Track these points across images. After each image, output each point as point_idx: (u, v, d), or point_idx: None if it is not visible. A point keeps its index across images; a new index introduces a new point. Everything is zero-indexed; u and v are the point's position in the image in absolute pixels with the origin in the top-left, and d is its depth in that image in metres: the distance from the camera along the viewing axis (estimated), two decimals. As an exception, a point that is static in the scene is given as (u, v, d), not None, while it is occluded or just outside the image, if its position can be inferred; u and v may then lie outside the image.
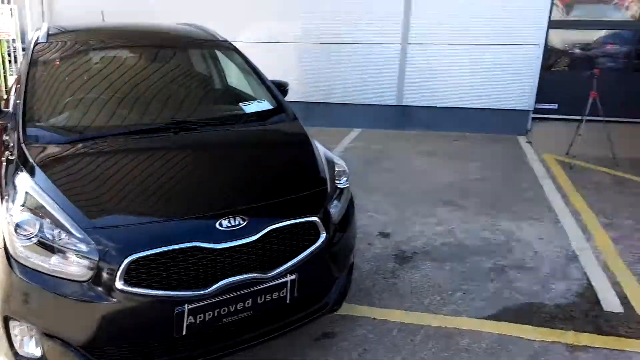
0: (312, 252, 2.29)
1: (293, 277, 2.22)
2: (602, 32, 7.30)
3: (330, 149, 6.10)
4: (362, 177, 5.25)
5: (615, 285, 3.20)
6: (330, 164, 2.81)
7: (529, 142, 6.58)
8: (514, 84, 6.91)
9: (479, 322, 2.79)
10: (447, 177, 5.23)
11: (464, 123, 7.11)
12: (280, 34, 7.38)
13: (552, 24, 7.06)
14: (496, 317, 2.85)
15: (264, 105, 3.25)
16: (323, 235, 2.34)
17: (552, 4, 6.93)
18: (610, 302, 3.00)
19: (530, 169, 5.52)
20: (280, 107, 3.28)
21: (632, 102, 6.87)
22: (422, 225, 4.06)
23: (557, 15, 7.12)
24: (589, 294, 3.09)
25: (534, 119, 7.18)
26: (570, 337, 2.68)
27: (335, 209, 2.55)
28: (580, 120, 5.68)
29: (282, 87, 3.69)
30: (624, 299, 3.04)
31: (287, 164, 2.75)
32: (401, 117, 7.31)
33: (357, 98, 7.39)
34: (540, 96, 7.12)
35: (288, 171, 2.68)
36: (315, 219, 2.33)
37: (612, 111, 6.48)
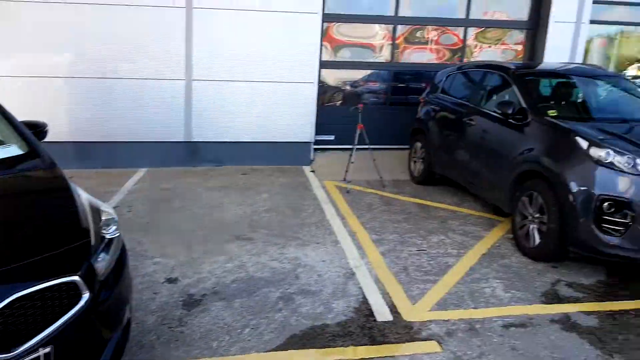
0: (72, 317, 2.01)
1: (48, 350, 1.91)
2: (367, 72, 8.38)
3: (112, 193, 5.71)
4: (148, 220, 4.95)
5: (386, 295, 3.59)
6: (96, 212, 2.55)
7: (313, 171, 7.11)
8: (296, 118, 7.41)
9: (267, 356, 2.81)
10: (238, 211, 5.28)
11: (253, 157, 7.33)
12: (49, 67, 6.58)
13: (323, 64, 7.85)
14: (284, 346, 2.91)
15: (11, 150, 2.81)
16: (86, 296, 2.08)
17: (321, 46, 7.71)
18: (382, 313, 3.35)
19: (314, 196, 5.94)
20: (33, 152, 2.87)
21: (391, 131, 8.00)
22: (212, 264, 3.97)
23: (327, 56, 7.94)
24: (364, 308, 3.40)
25: (315, 149, 7.80)
26: (350, 352, 2.89)
27: (102, 262, 2.31)
28: (351, 149, 6.38)
29: (38, 129, 3.26)
30: (393, 308, 3.42)
31: (38, 218, 2.39)
32: (191, 153, 7.18)
33: (143, 136, 7.01)
34: (319, 129, 7.79)
35: (40, 226, 2.33)
36: (75, 278, 2.06)
37: (376, 140, 7.41)
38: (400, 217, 5.28)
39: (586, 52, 9.27)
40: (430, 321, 3.26)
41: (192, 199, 5.66)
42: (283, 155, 7.40)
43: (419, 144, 6.73)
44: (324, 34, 7.78)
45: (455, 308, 3.45)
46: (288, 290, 3.59)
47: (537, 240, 4.24)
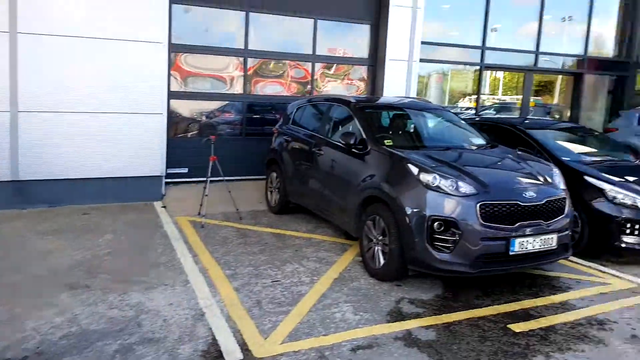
0: None
1: None
2: (221, 103, 8.29)
3: None
4: (-42, 274, 4.21)
5: (237, 333, 3.45)
6: None
7: (164, 207, 6.73)
8: (144, 151, 6.99)
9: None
10: (74, 257, 4.74)
11: (97, 194, 6.72)
12: None
13: (173, 95, 7.60)
14: (120, 406, 2.61)
15: None
16: None
17: (169, 76, 7.47)
18: (232, 352, 3.20)
19: (165, 234, 5.60)
20: None
21: (245, 162, 7.99)
22: (37, 320, 3.47)
23: (177, 87, 7.70)
24: (213, 350, 3.22)
25: (167, 183, 7.44)
26: (195, 401, 2.70)
27: None
28: (205, 182, 6.19)
29: None
30: (243, 346, 3.29)
31: None
32: (18, 194, 6.32)
33: (-44, 175, 6.04)
34: (171, 161, 7.48)
35: None
36: None
37: (233, 171, 7.39)
38: (256, 249, 5.22)
39: (426, 86, 10.40)
40: (281, 355, 3.20)
41: (17, 246, 4.95)
42: (130, 191, 6.91)
43: (274, 174, 6.79)
44: (172, 64, 7.57)
45: (306, 337, 3.44)
46: (128, 340, 3.26)
47: (382, 261, 4.48)
